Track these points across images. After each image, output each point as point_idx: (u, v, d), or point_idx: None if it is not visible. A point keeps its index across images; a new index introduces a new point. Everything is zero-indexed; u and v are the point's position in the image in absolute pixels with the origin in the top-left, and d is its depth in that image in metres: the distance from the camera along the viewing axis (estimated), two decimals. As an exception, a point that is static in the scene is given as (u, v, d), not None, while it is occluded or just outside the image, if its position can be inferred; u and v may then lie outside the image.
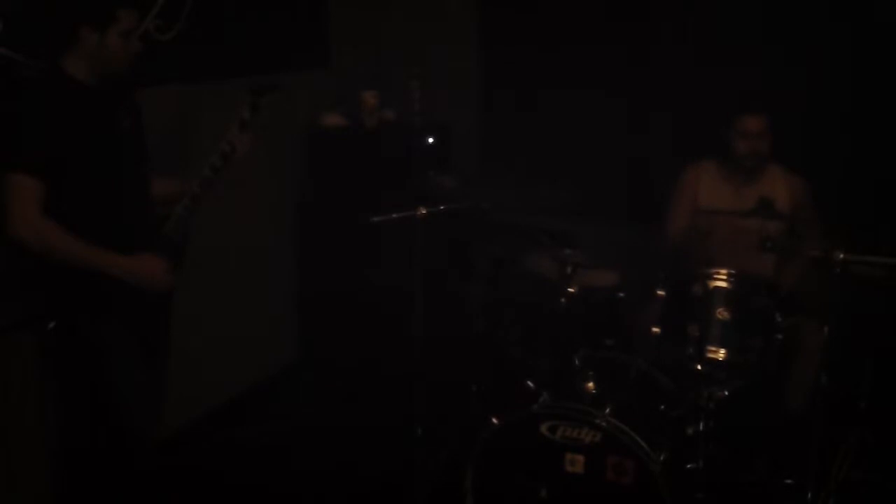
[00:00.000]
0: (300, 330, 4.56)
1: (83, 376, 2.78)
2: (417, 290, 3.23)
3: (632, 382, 3.19)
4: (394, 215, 3.16)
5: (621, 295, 3.39)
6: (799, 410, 3.42)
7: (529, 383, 3.20)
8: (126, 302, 2.74)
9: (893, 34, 3.84)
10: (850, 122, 3.92)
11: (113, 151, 2.72)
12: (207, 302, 3.72)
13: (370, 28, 4.67)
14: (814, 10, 3.94)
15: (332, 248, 4.38)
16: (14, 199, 2.54)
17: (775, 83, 3.95)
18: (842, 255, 2.82)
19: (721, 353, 3.05)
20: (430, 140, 4.38)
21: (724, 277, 3.11)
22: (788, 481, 3.22)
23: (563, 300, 3.23)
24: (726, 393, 3.12)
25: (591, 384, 3.07)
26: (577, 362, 3.19)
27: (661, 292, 3.20)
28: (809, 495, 2.98)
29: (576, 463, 2.91)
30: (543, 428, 2.93)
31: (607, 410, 2.92)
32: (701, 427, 3.06)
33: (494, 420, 3.02)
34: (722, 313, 3.07)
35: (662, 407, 3.13)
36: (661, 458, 2.85)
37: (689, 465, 3.01)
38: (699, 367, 3.07)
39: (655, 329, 3.17)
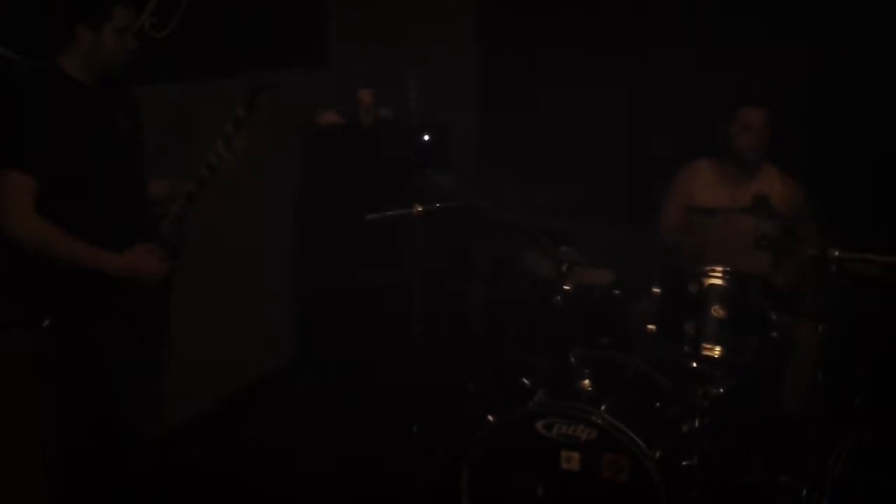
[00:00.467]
0: (298, 329, 4.56)
1: (82, 375, 2.79)
2: (415, 289, 3.24)
3: (628, 380, 3.20)
4: (389, 213, 3.16)
5: (617, 293, 3.40)
6: (795, 408, 3.42)
7: (525, 381, 3.20)
8: (124, 301, 2.74)
9: (892, 33, 3.84)
10: (848, 121, 3.92)
11: (110, 150, 2.72)
12: (205, 301, 3.72)
13: (367, 26, 4.67)
14: (813, 10, 3.94)
15: (330, 247, 4.38)
16: (10, 197, 2.54)
17: (774, 83, 3.95)
18: (837, 254, 2.82)
19: (717, 351, 3.06)
20: (428, 138, 4.38)
21: (720, 275, 3.12)
22: (784, 479, 3.22)
23: (559, 298, 3.24)
24: (722, 391, 3.12)
25: (586, 382, 3.07)
26: (573, 360, 3.18)
27: (656, 290, 3.20)
28: (804, 493, 2.99)
29: (572, 460, 2.91)
30: (539, 425, 2.94)
31: (603, 408, 2.93)
32: (696, 425, 3.06)
33: (491, 418, 3.03)
34: (718, 311, 3.08)
35: (658, 405, 3.14)
36: (657, 455, 2.86)
37: (684, 463, 3.01)
38: (695, 364, 3.07)
39: (651, 327, 3.18)
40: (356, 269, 4.30)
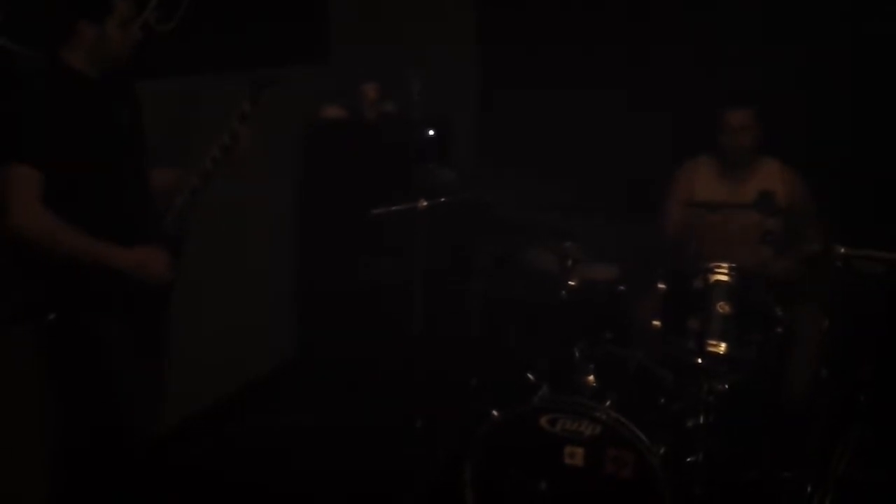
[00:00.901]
0: (299, 325, 4.56)
1: (82, 371, 2.77)
2: (417, 283, 3.23)
3: (632, 376, 3.19)
4: (394, 208, 3.15)
5: (621, 288, 3.39)
6: (799, 405, 3.41)
7: (529, 376, 3.20)
8: (126, 296, 2.73)
9: (893, 30, 3.83)
10: (852, 118, 3.91)
11: (113, 143, 2.71)
12: (206, 297, 3.71)
13: (370, 20, 4.66)
14: (813, 8, 3.94)
15: (333, 242, 4.37)
16: (14, 190, 2.53)
17: (775, 79, 3.95)
18: (842, 250, 2.82)
19: (721, 347, 3.05)
20: (431, 133, 4.37)
21: (725, 271, 3.11)
22: (788, 476, 3.22)
23: (563, 294, 3.23)
24: (726, 386, 3.12)
25: (591, 377, 3.07)
26: (577, 356, 3.18)
27: (661, 286, 3.20)
28: (809, 489, 2.98)
29: (575, 456, 2.91)
30: (543, 421, 2.94)
31: (607, 403, 2.93)
32: (701, 420, 3.05)
33: (494, 413, 3.02)
34: (722, 307, 3.07)
35: (662, 400, 3.13)
36: (661, 451, 2.85)
37: (688, 459, 3.01)
38: (699, 360, 3.07)
39: (656, 322, 3.18)
40: (359, 265, 4.30)
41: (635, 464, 2.84)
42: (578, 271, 3.24)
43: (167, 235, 2.83)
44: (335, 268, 4.38)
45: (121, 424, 2.80)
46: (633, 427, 2.85)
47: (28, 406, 3.05)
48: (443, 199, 3.23)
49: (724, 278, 3.11)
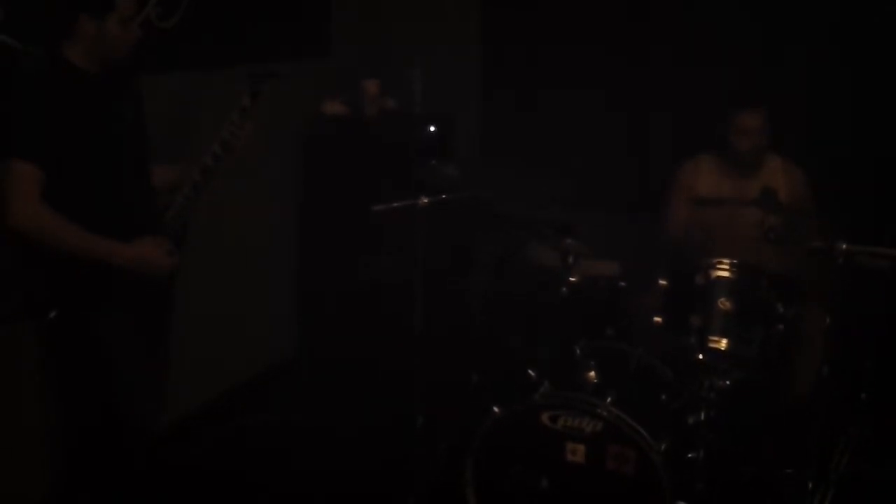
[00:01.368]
0: (300, 320, 4.55)
1: (83, 368, 2.77)
2: (418, 279, 3.23)
3: (633, 372, 3.19)
4: (395, 204, 3.15)
5: (623, 285, 3.39)
6: (800, 401, 3.41)
7: (530, 373, 3.20)
8: (128, 293, 2.73)
9: (893, 30, 3.83)
10: (854, 115, 3.91)
11: (114, 139, 2.71)
12: (205, 295, 3.70)
13: (371, 16, 4.65)
14: (813, 7, 3.93)
15: (333, 239, 4.37)
16: (14, 187, 2.52)
17: (776, 76, 3.94)
18: (845, 247, 2.81)
19: (723, 344, 3.06)
20: (432, 129, 4.36)
21: (727, 268, 3.11)
22: (789, 472, 3.22)
23: (564, 290, 3.22)
24: (728, 383, 3.12)
25: (592, 374, 3.07)
26: (578, 352, 3.18)
27: (662, 282, 3.20)
28: (810, 486, 2.98)
29: (577, 452, 2.91)
30: (544, 417, 2.94)
31: (608, 400, 2.92)
32: (702, 417, 3.05)
33: (495, 409, 3.02)
34: (724, 303, 3.08)
35: (664, 397, 3.13)
36: (662, 447, 2.85)
37: (689, 455, 3.00)
38: (701, 357, 3.07)
39: (657, 319, 3.18)
40: (359, 262, 4.29)
41: (636, 460, 2.84)
42: (579, 268, 3.24)
43: (168, 231, 2.83)
44: (335, 265, 4.37)
45: (121, 421, 2.80)
46: (634, 424, 2.85)
47: (29, 403, 3.06)
48: (444, 197, 3.22)
49: (726, 275, 3.11)
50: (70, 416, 2.93)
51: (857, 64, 3.91)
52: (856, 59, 3.91)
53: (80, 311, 2.69)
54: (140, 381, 2.81)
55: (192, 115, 3.49)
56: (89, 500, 2.92)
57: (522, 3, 4.50)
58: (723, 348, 3.05)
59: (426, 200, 3.16)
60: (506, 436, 3.00)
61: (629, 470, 2.85)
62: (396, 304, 3.55)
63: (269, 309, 4.34)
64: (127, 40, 2.65)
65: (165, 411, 3.10)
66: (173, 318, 3.00)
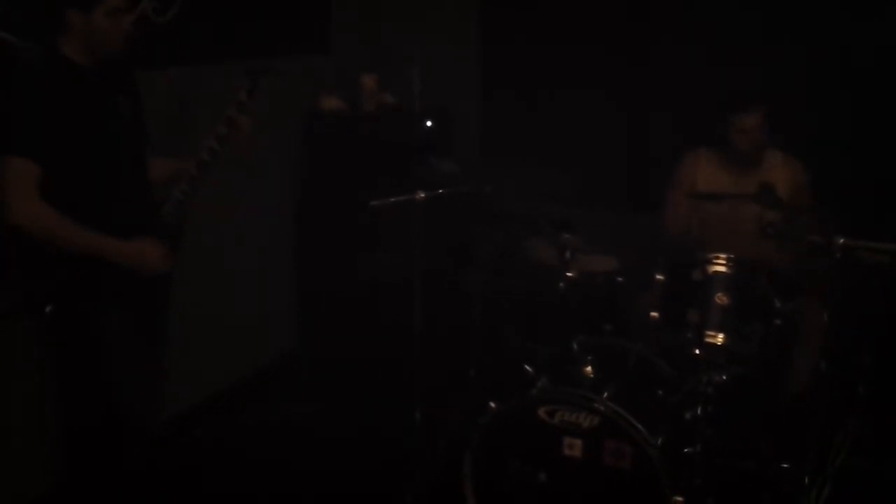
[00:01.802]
0: (299, 317, 4.55)
1: (82, 363, 2.77)
2: (417, 276, 3.23)
3: (630, 367, 3.19)
4: (392, 199, 3.15)
5: (620, 280, 3.39)
6: (798, 396, 3.41)
7: (528, 368, 3.20)
8: (125, 289, 2.73)
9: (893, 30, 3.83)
10: (853, 111, 3.91)
11: (111, 134, 2.71)
12: (203, 291, 3.70)
13: (370, 11, 4.65)
14: (814, 7, 3.93)
15: (331, 235, 4.36)
16: (12, 183, 2.53)
17: (776, 75, 3.94)
18: (842, 241, 2.81)
19: (720, 339, 3.05)
20: (430, 124, 4.36)
21: (724, 263, 3.11)
22: (786, 467, 3.22)
23: (561, 285, 3.22)
24: (725, 378, 3.12)
25: (589, 369, 3.07)
26: (575, 347, 3.18)
27: (660, 277, 3.20)
28: (807, 481, 2.98)
29: (574, 447, 2.91)
30: (542, 412, 2.94)
31: (605, 395, 2.92)
32: (699, 412, 3.05)
33: (493, 405, 3.02)
34: (721, 298, 3.07)
35: (661, 392, 3.13)
36: (659, 442, 2.85)
37: (686, 450, 3.00)
38: (698, 352, 3.07)
39: (654, 314, 3.17)
40: (357, 258, 4.29)
41: (633, 455, 2.84)
42: (577, 263, 3.24)
43: (165, 226, 2.82)
44: (334, 262, 4.37)
45: (120, 420, 2.80)
46: (631, 419, 2.85)
47: (28, 402, 3.06)
48: (441, 192, 3.22)
49: (723, 270, 3.11)
50: (69, 414, 2.93)
51: (857, 62, 3.91)
52: (855, 58, 3.91)
53: (79, 306, 2.69)
54: (139, 379, 2.82)
55: (189, 111, 3.48)
56: (89, 499, 2.92)
57: (523, 1, 4.49)
58: (720, 343, 3.05)
59: (423, 195, 3.15)
60: (503, 431, 3.00)
61: (626, 465, 2.85)
62: (395, 301, 3.56)
63: (267, 307, 4.33)
64: (117, 33, 2.63)
65: (164, 410, 3.10)
66: (170, 315, 3.00)
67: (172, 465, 3.27)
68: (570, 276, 3.23)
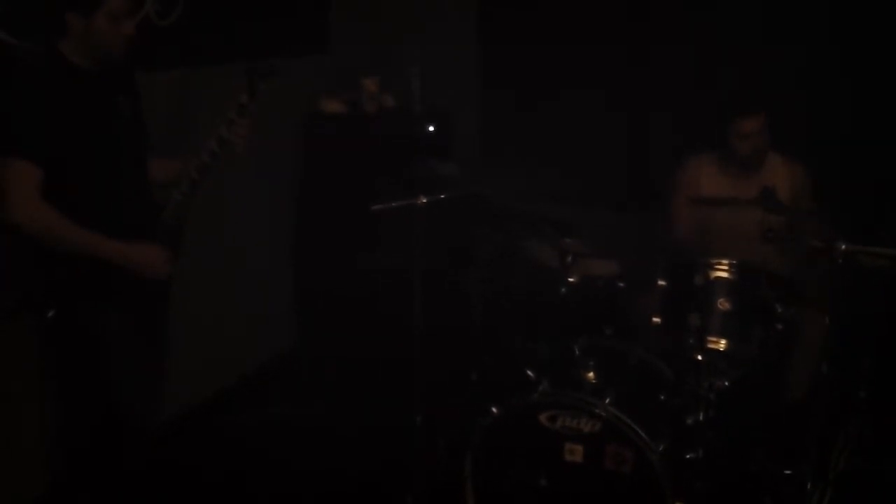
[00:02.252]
0: (299, 318, 4.55)
1: (82, 364, 2.77)
2: (417, 278, 3.22)
3: (632, 372, 3.19)
4: (393, 204, 3.14)
5: (621, 284, 3.38)
6: (799, 400, 3.41)
7: (529, 372, 3.19)
8: (125, 290, 2.73)
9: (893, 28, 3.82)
10: (852, 114, 3.91)
11: (111, 136, 2.70)
12: (203, 291, 3.70)
13: (371, 13, 4.64)
14: (814, 8, 3.93)
15: (331, 237, 4.36)
16: (13, 185, 2.52)
17: (776, 75, 3.94)
18: (843, 246, 2.81)
19: (721, 343, 3.05)
20: (431, 128, 4.35)
21: (726, 267, 3.10)
22: (787, 472, 3.22)
23: (563, 289, 3.22)
24: (726, 383, 3.12)
25: (590, 373, 3.07)
26: (576, 351, 3.18)
27: (661, 282, 3.19)
28: (809, 485, 2.98)
29: (575, 452, 2.91)
30: (543, 417, 2.93)
31: (607, 400, 2.92)
32: (701, 417, 3.05)
33: (494, 409, 3.02)
34: (723, 303, 3.07)
35: (662, 397, 3.13)
36: (661, 447, 2.85)
37: (688, 455, 3.00)
38: (699, 356, 3.07)
39: (656, 319, 3.17)
40: (357, 260, 4.28)
41: (635, 460, 2.84)
42: (578, 267, 3.24)
43: (165, 228, 2.82)
44: (334, 263, 4.36)
45: (120, 420, 2.80)
46: (632, 423, 2.85)
47: (28, 400, 3.05)
48: (442, 196, 3.21)
49: (725, 274, 3.10)
50: (69, 414, 2.93)
51: (857, 63, 3.91)
52: (856, 59, 3.91)
53: (79, 307, 2.69)
54: (139, 379, 2.82)
55: (190, 112, 3.48)
56: (88, 498, 2.92)
57: (522, 2, 4.48)
58: (722, 348, 3.04)
59: (424, 200, 3.15)
60: (504, 435, 3.00)
61: (627, 470, 2.85)
62: (396, 303, 3.55)
63: (266, 307, 4.33)
64: (117, 36, 2.62)
65: (164, 409, 3.09)
66: (170, 315, 2.99)
67: (172, 465, 3.26)
68: (572, 280, 3.22)
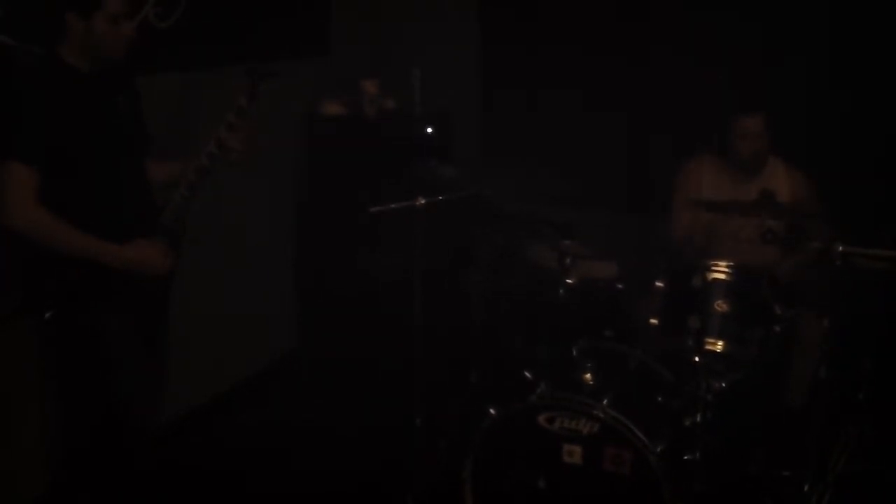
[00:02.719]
0: (299, 319, 4.55)
1: (82, 365, 2.78)
2: (417, 280, 3.23)
3: (630, 374, 3.19)
4: (392, 205, 3.14)
5: (620, 286, 3.39)
6: (798, 402, 3.42)
7: (528, 374, 3.20)
8: (125, 291, 2.73)
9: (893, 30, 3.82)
10: (852, 116, 3.91)
11: (111, 139, 2.70)
12: (204, 293, 3.69)
13: (370, 15, 4.64)
14: (814, 9, 3.93)
15: (332, 239, 4.36)
16: (11, 188, 2.52)
17: (775, 76, 3.94)
18: (842, 248, 2.81)
19: (720, 345, 3.06)
20: (430, 130, 4.35)
21: (724, 269, 3.11)
22: (786, 474, 3.22)
23: (562, 291, 3.22)
24: (725, 385, 3.12)
25: (589, 375, 3.07)
26: (575, 353, 3.18)
27: (660, 284, 3.19)
28: (807, 487, 2.98)
29: (574, 454, 2.91)
30: (541, 419, 2.94)
31: (605, 401, 2.92)
32: (699, 419, 3.05)
33: (493, 410, 3.02)
34: (721, 305, 3.07)
35: (661, 398, 3.13)
36: (659, 449, 2.85)
37: (686, 457, 3.00)
38: (698, 358, 3.07)
39: (654, 320, 3.17)
40: (358, 259, 4.29)
41: (633, 462, 2.84)
42: (577, 269, 3.24)
43: (165, 230, 2.82)
44: (334, 264, 4.37)
45: (121, 420, 2.81)
46: (631, 425, 2.85)
47: (29, 400, 3.06)
48: (441, 197, 3.22)
49: (723, 276, 3.10)
50: (70, 415, 2.93)
51: (857, 63, 3.91)
52: (856, 59, 3.90)
53: (79, 308, 2.69)
54: (139, 380, 2.82)
55: (190, 115, 3.48)
56: (89, 499, 2.93)
57: (522, 3, 4.48)
58: (720, 350, 3.05)
59: (423, 201, 3.15)
60: (503, 437, 3.00)
61: (626, 471, 2.85)
62: (396, 304, 3.55)
63: (267, 307, 4.33)
64: (117, 39, 2.62)
65: (164, 410, 3.10)
66: (170, 315, 3.00)
67: (172, 465, 3.27)
68: (571, 282, 3.22)
